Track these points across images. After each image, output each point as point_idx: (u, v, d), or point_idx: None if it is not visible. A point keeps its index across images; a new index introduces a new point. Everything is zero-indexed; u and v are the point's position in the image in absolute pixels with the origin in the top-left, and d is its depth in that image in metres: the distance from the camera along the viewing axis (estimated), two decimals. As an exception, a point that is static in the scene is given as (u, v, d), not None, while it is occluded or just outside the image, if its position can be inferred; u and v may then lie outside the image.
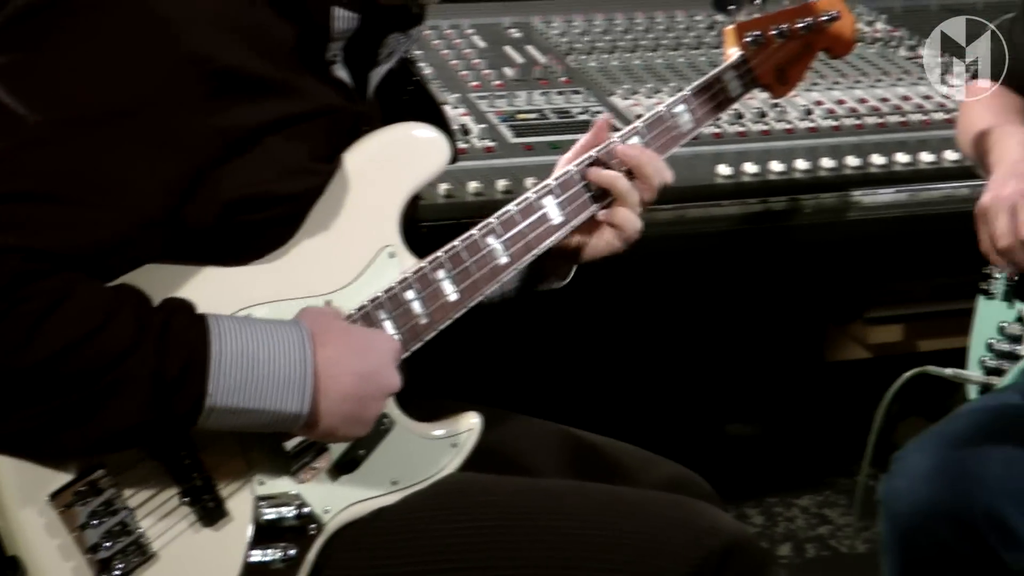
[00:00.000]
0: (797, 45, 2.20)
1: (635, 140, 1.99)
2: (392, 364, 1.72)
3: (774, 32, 2.15)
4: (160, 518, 1.66)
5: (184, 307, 1.62)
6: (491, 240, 1.86)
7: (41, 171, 1.55)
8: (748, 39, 2.13)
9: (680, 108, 2.05)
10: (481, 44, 3.09)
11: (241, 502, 1.70)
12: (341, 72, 1.79)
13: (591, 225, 1.97)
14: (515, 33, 3.16)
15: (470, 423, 1.87)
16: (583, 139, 1.99)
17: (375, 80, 1.86)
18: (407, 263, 1.81)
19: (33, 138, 1.55)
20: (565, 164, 1.97)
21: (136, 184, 1.59)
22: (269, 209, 1.69)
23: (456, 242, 1.84)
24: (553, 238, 1.92)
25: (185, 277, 1.67)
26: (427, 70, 2.86)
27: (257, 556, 1.71)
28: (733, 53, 2.14)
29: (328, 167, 1.75)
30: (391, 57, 1.86)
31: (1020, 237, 2.10)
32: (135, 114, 1.58)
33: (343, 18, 1.74)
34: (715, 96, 2.09)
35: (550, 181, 1.92)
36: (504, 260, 1.87)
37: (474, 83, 2.88)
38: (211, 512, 1.68)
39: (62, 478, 1.62)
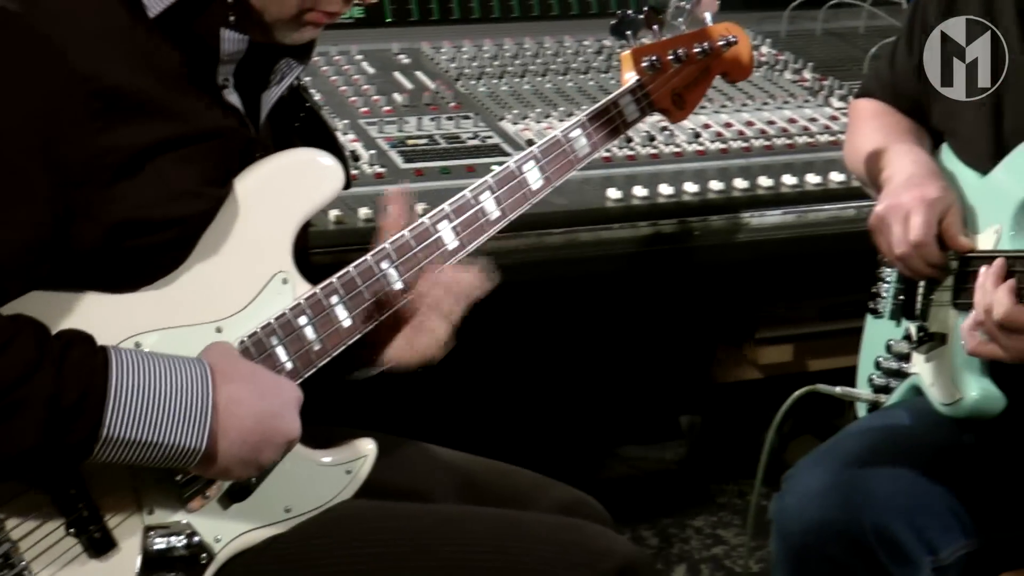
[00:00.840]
0: (694, 70, 2.20)
1: (530, 164, 1.97)
2: (294, 410, 1.71)
3: (671, 57, 2.15)
4: (45, 550, 1.64)
5: (84, 337, 1.61)
6: (385, 265, 1.86)
7: None
8: (645, 64, 2.13)
9: (576, 132, 2.04)
10: (370, 70, 3.07)
11: (129, 532, 1.68)
12: (232, 97, 1.78)
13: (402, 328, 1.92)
14: (404, 59, 3.15)
15: (365, 449, 1.87)
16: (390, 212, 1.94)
17: (267, 104, 1.86)
18: (300, 289, 1.80)
19: None
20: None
21: (21, 203, 1.57)
22: (158, 233, 1.68)
23: (350, 268, 1.83)
24: (448, 264, 1.91)
25: (73, 304, 1.66)
26: (316, 96, 2.84)
27: None
28: (630, 78, 2.13)
29: (219, 191, 1.74)
30: (282, 81, 1.85)
31: (912, 241, 2.14)
32: (19, 132, 1.57)
33: (232, 40, 1.74)
34: (611, 120, 2.09)
35: (445, 206, 1.92)
36: (399, 285, 1.86)
37: (364, 109, 2.87)
38: (98, 543, 1.66)
39: None
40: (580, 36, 3.33)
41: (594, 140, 2.06)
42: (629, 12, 2.17)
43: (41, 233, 1.59)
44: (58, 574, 1.65)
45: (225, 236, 1.74)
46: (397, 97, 2.94)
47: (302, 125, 1.95)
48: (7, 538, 1.62)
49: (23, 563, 1.62)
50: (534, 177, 2.00)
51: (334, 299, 1.81)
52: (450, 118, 2.86)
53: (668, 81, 2.16)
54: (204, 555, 1.72)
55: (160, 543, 1.69)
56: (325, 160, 1.83)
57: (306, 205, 1.82)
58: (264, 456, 1.69)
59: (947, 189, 2.19)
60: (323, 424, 1.91)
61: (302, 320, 1.79)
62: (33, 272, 1.61)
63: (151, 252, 1.69)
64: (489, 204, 1.95)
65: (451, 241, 1.91)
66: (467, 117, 2.89)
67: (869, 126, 2.44)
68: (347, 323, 1.82)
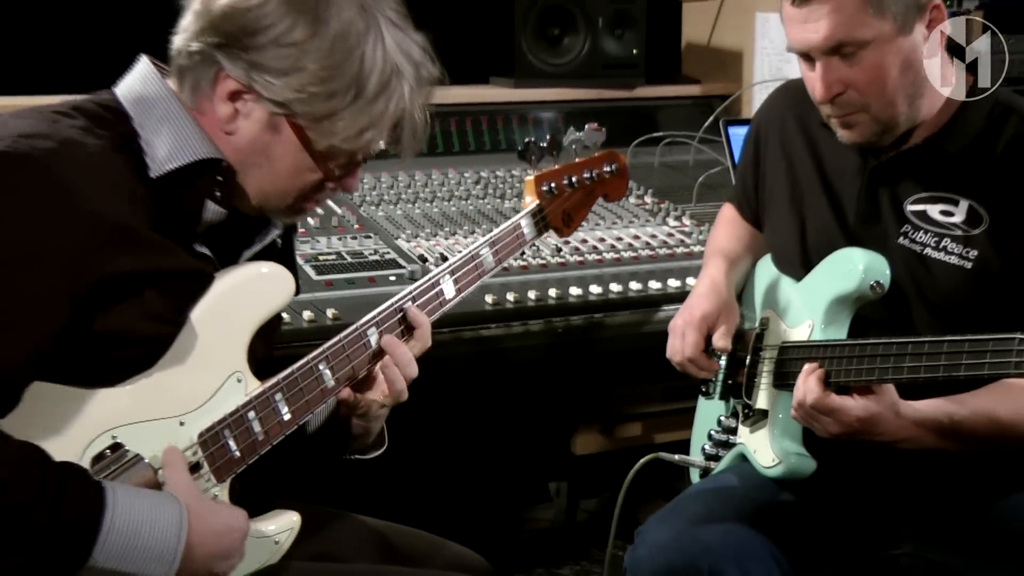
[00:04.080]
0: (582, 193, 2.29)
1: (447, 278, 2.02)
2: (242, 542, 1.75)
3: (565, 182, 2.25)
4: None
5: (81, 474, 1.62)
6: (322, 367, 1.89)
7: None
8: (544, 189, 2.22)
9: (485, 250, 2.12)
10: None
11: None
12: (202, 248, 1.81)
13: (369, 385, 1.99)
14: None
15: (291, 521, 1.89)
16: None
17: (245, 258, 1.89)
18: (251, 386, 1.82)
19: None
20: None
21: (38, 319, 1.60)
22: (132, 348, 1.70)
23: (294, 367, 1.86)
24: (374, 364, 1.95)
25: (59, 396, 1.66)
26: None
27: None
28: (531, 202, 2.21)
29: (184, 318, 1.75)
30: (263, 240, 1.90)
31: (685, 356, 2.32)
32: (40, 259, 1.60)
33: (213, 211, 1.79)
34: (517, 239, 2.18)
35: (373, 314, 1.96)
36: (331, 383, 1.90)
37: (280, 231, 2.91)
38: None
39: None
40: (462, 168, 3.38)
41: (500, 256, 2.14)
42: (533, 140, 2.26)
43: (45, 344, 1.61)
44: None
45: (190, 345, 1.75)
46: (310, 221, 2.97)
47: (270, 245, 1.96)
48: None
49: None
50: (448, 288, 2.06)
51: (278, 396, 1.84)
52: (354, 237, 2.90)
53: (562, 204, 2.26)
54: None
55: None
56: (278, 270, 1.86)
57: (261, 311, 1.84)
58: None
59: (720, 305, 2.33)
60: (258, 496, 1.93)
61: (251, 415, 1.81)
62: (31, 377, 1.63)
63: (125, 360, 1.71)
64: (410, 311, 2.00)
65: (375, 343, 1.97)
66: (368, 236, 2.92)
67: (720, 229, 2.57)
68: (287, 416, 1.84)
